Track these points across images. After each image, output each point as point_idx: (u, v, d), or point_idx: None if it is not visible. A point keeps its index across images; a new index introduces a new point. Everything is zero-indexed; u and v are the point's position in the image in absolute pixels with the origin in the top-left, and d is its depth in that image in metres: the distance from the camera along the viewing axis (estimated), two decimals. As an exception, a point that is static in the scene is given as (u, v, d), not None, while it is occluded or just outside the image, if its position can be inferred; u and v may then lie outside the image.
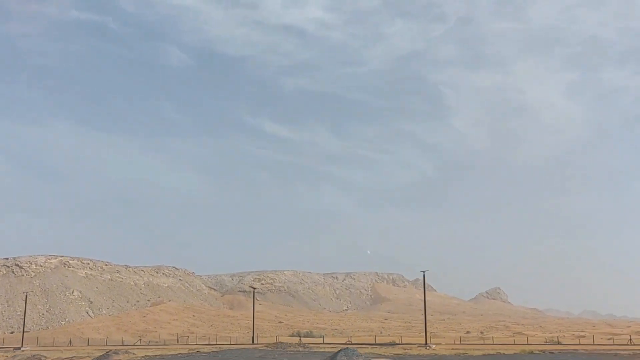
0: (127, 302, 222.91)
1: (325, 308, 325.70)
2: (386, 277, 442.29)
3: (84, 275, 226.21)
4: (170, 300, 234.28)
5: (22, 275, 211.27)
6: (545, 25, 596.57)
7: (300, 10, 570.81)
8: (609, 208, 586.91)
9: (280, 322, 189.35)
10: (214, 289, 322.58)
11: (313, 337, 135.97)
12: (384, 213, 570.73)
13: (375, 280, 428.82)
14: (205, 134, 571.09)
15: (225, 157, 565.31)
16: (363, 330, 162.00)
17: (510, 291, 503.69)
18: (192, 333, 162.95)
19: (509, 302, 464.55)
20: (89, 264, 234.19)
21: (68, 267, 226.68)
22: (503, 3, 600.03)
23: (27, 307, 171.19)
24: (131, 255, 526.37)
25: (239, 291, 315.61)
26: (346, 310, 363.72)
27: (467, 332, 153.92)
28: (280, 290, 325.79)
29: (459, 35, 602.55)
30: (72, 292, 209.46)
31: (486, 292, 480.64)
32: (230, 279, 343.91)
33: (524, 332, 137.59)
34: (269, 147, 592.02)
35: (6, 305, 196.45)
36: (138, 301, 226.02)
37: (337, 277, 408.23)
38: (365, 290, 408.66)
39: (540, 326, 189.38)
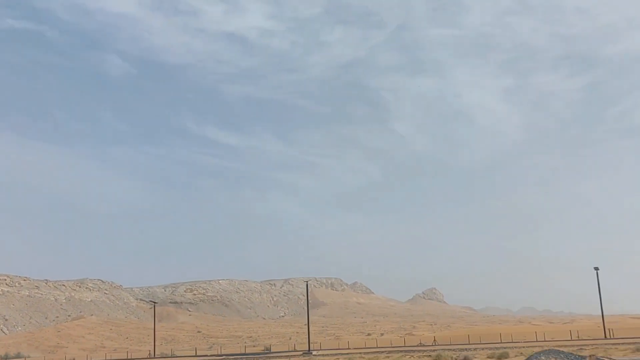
0: (46, 318, 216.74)
1: (259, 316, 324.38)
2: (325, 281, 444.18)
3: (0, 292, 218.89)
4: (92, 315, 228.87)
5: None
6: (480, 31, 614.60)
7: (241, 18, 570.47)
8: (546, 207, 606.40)
9: (199, 332, 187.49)
10: (145, 301, 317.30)
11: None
12: (330, 218, 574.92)
13: (314, 285, 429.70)
14: (148, 142, 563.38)
15: (169, 164, 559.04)
16: (277, 337, 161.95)
17: (447, 291, 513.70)
18: (104, 347, 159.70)
19: (444, 302, 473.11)
20: (5, 279, 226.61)
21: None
22: (439, 10, 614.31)
23: None
24: (58, 268, 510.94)
25: (170, 302, 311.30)
26: (283, 316, 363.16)
27: (368, 334, 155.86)
28: (212, 300, 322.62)
29: (398, 42, 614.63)
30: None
31: (423, 292, 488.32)
32: (163, 290, 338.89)
33: (414, 333, 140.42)
34: (215, 154, 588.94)
35: None
36: (57, 317, 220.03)
37: (274, 284, 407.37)
38: (303, 295, 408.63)
39: (449, 325, 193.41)
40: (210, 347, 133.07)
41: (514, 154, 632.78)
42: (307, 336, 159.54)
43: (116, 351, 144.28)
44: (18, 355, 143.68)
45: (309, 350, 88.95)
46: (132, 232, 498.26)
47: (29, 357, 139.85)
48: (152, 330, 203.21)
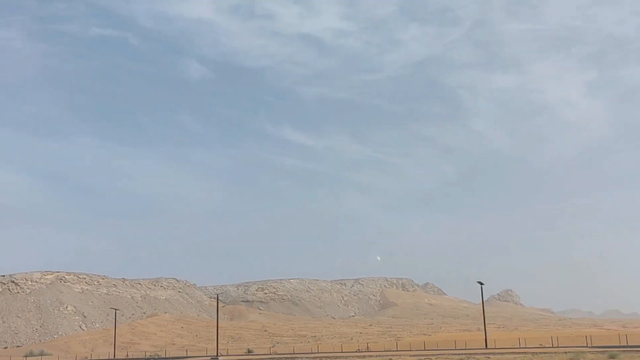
0: (122, 315, 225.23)
1: (328, 315, 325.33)
2: (396, 282, 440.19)
3: (80, 290, 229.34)
4: (166, 313, 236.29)
5: (18, 292, 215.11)
6: (562, 25, 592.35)
7: (316, 19, 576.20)
8: (634, 205, 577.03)
9: (265, 330, 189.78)
10: (219, 299, 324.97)
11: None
12: (404, 217, 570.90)
13: (385, 286, 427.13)
14: (226, 144, 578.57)
15: (246, 166, 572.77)
16: (340, 337, 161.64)
17: (523, 293, 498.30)
18: (174, 344, 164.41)
19: (520, 304, 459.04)
20: (85, 278, 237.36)
21: (64, 282, 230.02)
22: (518, 4, 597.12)
23: (21, 323, 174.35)
24: (136, 267, 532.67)
25: (242, 301, 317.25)
26: (353, 316, 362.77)
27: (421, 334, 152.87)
28: (283, 299, 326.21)
29: (475, 38, 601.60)
30: (66, 307, 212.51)
31: (498, 294, 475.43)
32: (236, 289, 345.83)
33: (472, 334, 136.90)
34: (291, 155, 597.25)
35: (1, 322, 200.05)
36: (133, 314, 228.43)
37: (345, 284, 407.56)
38: (374, 295, 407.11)
39: (516, 328, 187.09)
40: (273, 346, 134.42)
41: (600, 149, 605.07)
42: (372, 336, 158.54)
43: (184, 348, 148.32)
44: (42, 353, 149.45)
45: (216, 355, 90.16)
46: (208, 232, 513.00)
47: (50, 354, 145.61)
48: (221, 329, 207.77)
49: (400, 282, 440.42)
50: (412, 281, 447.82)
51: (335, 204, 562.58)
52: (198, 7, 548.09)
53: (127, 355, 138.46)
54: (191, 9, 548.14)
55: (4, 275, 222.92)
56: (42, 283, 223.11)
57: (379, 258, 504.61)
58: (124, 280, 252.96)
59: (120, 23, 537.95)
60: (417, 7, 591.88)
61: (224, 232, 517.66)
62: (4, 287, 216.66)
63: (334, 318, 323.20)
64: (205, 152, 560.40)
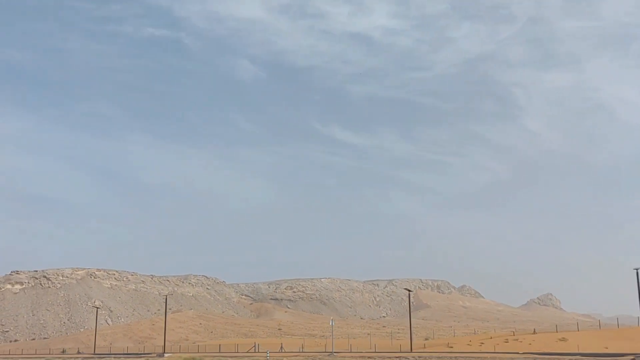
0: (148, 310, 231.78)
1: (357, 315, 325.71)
2: (430, 283, 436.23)
3: (109, 286, 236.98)
4: (191, 309, 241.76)
5: (49, 287, 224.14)
6: (619, 21, 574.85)
7: (366, 18, 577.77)
8: None
9: (279, 329, 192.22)
10: (250, 297, 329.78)
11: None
12: (453, 217, 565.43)
13: (419, 287, 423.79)
14: (275, 142, 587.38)
15: (295, 164, 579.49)
16: (353, 337, 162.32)
17: (566, 297, 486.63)
18: (187, 340, 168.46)
19: (561, 309, 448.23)
20: (114, 274, 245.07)
21: (94, 278, 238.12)
22: (574, 1, 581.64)
23: (50, 316, 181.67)
24: (173, 264, 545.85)
25: (271, 299, 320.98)
26: (384, 316, 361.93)
27: (426, 338, 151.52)
28: (311, 298, 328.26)
29: (529, 36, 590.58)
30: (94, 302, 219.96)
31: (538, 298, 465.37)
32: (267, 287, 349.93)
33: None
34: (339, 154, 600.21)
35: (31, 315, 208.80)
36: (159, 310, 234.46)
37: (378, 284, 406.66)
38: (407, 296, 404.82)
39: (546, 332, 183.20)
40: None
41: None
42: (379, 337, 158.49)
43: (194, 343, 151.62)
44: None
45: (162, 352, 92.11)
46: (251, 230, 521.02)
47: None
48: (238, 326, 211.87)
49: (435, 284, 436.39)
50: (449, 283, 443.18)
51: (382, 203, 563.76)
52: (249, 6, 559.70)
53: (144, 349, 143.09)
54: (243, 8, 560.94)
55: (36, 271, 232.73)
56: (73, 278, 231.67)
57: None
58: (152, 276, 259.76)
59: (174, 23, 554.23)
60: (469, 4, 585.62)
61: (266, 230, 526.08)
62: (36, 281, 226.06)
63: (362, 318, 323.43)
64: (254, 151, 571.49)
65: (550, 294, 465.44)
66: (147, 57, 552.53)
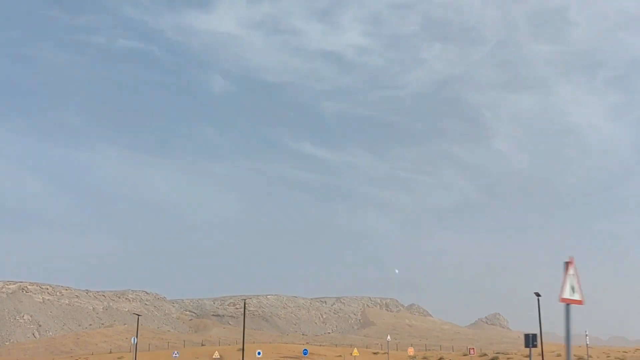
0: (79, 325, 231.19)
1: (297, 332, 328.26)
2: (379, 301, 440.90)
3: (41, 300, 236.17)
4: (124, 324, 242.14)
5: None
6: (587, 47, 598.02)
7: (339, 36, 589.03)
8: None
9: (202, 344, 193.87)
10: (193, 313, 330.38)
11: None
12: (419, 235, 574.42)
13: (367, 305, 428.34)
14: (246, 157, 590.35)
15: (265, 179, 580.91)
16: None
17: (515, 317, 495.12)
18: (110, 353, 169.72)
19: (508, 328, 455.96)
20: (47, 289, 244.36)
21: (26, 292, 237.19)
22: (542, 26, 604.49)
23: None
24: (119, 279, 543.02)
25: (212, 315, 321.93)
26: (329, 333, 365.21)
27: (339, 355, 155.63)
28: (254, 315, 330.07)
29: (498, 58, 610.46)
30: (23, 316, 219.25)
31: (486, 317, 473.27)
32: (212, 302, 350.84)
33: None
34: (309, 169, 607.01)
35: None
36: (90, 324, 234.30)
37: (326, 302, 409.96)
38: (355, 314, 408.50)
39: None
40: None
41: (623, 174, 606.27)
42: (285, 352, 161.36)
43: (98, 355, 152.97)
44: None
45: None
46: (214, 244, 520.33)
47: None
48: (166, 340, 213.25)
49: (384, 302, 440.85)
50: (397, 301, 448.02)
51: (351, 220, 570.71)
52: (223, 21, 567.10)
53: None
54: (217, 23, 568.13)
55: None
56: (4, 292, 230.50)
57: (397, 271, 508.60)
58: (87, 291, 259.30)
59: (147, 36, 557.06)
60: (440, 26, 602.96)
61: (228, 245, 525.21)
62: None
63: (303, 335, 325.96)
64: (224, 165, 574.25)
65: (498, 313, 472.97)
66: (118, 69, 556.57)
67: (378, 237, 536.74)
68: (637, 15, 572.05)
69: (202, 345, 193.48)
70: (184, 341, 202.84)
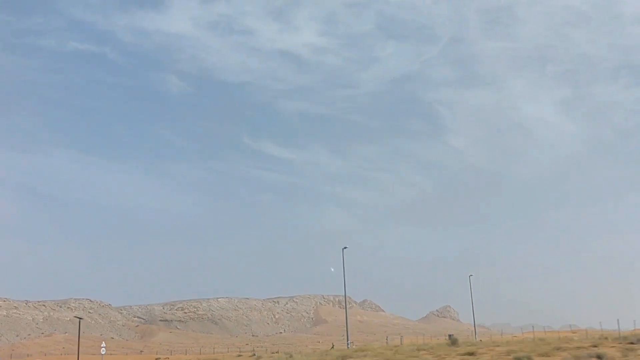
0: (17, 336, 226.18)
1: (247, 333, 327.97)
2: (332, 299, 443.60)
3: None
4: (66, 333, 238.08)
5: None
6: (535, 43, 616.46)
7: (295, 36, 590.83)
8: (604, 222, 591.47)
9: (141, 351, 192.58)
10: (142, 318, 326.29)
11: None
12: (379, 232, 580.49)
13: (320, 303, 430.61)
14: (206, 157, 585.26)
15: (225, 180, 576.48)
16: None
17: (464, 309, 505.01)
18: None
19: (458, 320, 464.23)
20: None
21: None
22: (492, 23, 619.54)
23: None
24: (66, 287, 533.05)
25: (160, 320, 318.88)
26: (281, 333, 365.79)
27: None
28: (202, 318, 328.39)
29: (452, 56, 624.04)
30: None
31: (437, 310, 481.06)
32: (162, 308, 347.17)
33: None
34: (272, 169, 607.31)
35: None
36: (29, 334, 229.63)
37: (278, 302, 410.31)
38: (307, 313, 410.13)
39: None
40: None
41: (573, 166, 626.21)
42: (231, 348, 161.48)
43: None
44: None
45: None
46: (172, 248, 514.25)
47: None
48: (106, 347, 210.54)
49: (337, 299, 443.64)
50: (350, 298, 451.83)
51: (314, 219, 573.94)
52: (177, 22, 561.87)
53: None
54: (170, 24, 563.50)
55: None
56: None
57: (332, 269, 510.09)
58: (27, 302, 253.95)
59: (99, 38, 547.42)
60: (394, 24, 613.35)
61: (185, 248, 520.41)
62: None
63: (255, 335, 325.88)
64: (183, 166, 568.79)
65: (449, 306, 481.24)
66: (70, 71, 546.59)
67: (339, 235, 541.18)
68: (583, 11, 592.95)
69: (141, 352, 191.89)
70: (123, 348, 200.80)
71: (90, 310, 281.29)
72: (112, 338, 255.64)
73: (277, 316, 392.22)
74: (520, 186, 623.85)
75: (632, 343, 34.82)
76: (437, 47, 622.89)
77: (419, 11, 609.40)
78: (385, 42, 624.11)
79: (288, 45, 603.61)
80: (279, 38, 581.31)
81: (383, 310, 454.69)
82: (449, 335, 76.54)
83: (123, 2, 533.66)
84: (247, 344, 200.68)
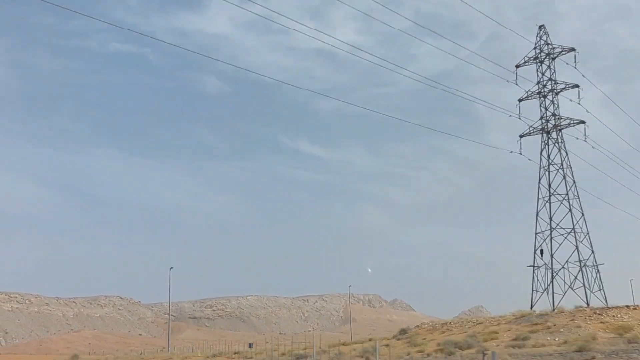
0: (47, 332, 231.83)
1: (274, 331, 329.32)
2: (362, 298, 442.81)
3: (9, 309, 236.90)
4: (94, 329, 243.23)
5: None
6: (577, 39, 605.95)
7: (331, 34, 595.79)
8: None
9: (162, 348, 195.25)
10: (172, 316, 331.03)
11: None
12: (414, 230, 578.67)
13: (350, 302, 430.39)
14: (242, 157, 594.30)
15: (261, 179, 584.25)
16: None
17: (497, 310, 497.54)
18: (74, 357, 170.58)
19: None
20: (17, 297, 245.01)
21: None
22: (532, 19, 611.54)
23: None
24: (107, 284, 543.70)
25: (189, 317, 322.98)
26: (310, 331, 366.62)
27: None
28: (230, 316, 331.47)
29: (490, 52, 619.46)
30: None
31: (469, 310, 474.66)
32: (192, 305, 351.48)
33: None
34: (308, 168, 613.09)
35: None
36: (59, 330, 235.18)
37: (308, 300, 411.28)
38: (337, 311, 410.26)
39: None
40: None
41: (617, 163, 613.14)
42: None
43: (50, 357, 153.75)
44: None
45: None
46: (211, 246, 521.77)
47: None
48: (130, 344, 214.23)
49: (367, 298, 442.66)
50: (380, 297, 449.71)
51: (350, 217, 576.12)
52: (216, 23, 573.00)
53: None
54: (209, 24, 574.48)
55: None
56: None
57: (369, 270, 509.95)
58: (57, 298, 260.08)
59: (140, 38, 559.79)
60: (431, 21, 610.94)
61: (222, 247, 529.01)
62: None
63: (282, 334, 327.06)
64: (220, 165, 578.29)
65: (481, 306, 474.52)
66: (111, 73, 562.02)
67: (372, 233, 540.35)
68: (625, 5, 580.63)
69: (162, 349, 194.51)
70: (147, 344, 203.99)
71: (120, 307, 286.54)
72: (140, 335, 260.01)
73: (306, 314, 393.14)
74: (561, 186, 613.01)
75: None
76: (475, 43, 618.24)
77: (456, 8, 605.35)
78: (422, 40, 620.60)
79: (324, 44, 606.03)
80: (316, 37, 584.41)
81: (414, 310, 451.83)
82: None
83: (163, 3, 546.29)
84: (266, 342, 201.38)
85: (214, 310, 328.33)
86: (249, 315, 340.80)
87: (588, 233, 76.57)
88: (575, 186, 78.47)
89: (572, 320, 62.48)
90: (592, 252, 76.12)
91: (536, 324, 63.87)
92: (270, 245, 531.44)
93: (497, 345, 54.54)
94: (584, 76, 78.61)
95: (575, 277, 74.19)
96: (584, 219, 78.12)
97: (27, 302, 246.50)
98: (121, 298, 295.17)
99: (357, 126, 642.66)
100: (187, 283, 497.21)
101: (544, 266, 75.53)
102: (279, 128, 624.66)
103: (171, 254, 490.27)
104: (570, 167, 77.08)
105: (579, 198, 77.94)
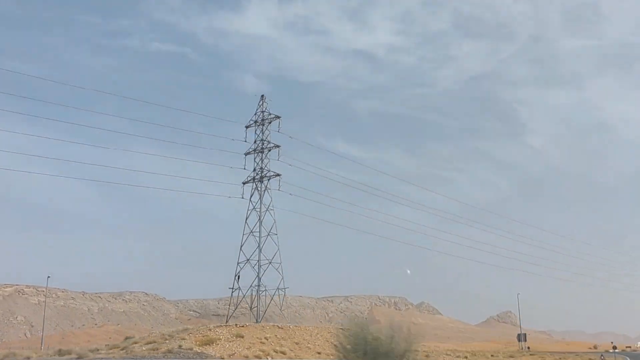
0: (72, 325, 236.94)
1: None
2: (388, 300, 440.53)
3: (36, 302, 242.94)
4: (118, 325, 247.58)
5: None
6: (621, 41, 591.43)
7: (370, 35, 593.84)
8: None
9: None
10: (197, 312, 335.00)
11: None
12: (451, 233, 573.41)
13: (375, 304, 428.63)
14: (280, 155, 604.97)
15: (300, 177, 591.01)
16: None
17: (528, 315, 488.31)
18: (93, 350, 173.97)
19: (519, 326, 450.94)
20: (43, 291, 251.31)
21: (22, 294, 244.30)
22: (575, 20, 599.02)
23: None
24: (129, 280, 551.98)
25: (213, 315, 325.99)
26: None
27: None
28: (253, 314, 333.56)
29: (531, 54, 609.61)
30: (17, 317, 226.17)
31: (497, 315, 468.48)
32: (217, 303, 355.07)
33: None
34: (344, 168, 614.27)
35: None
36: (84, 324, 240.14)
37: (333, 301, 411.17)
38: (361, 313, 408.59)
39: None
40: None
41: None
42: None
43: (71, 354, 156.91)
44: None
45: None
46: (235, 243, 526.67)
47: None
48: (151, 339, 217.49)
49: (392, 301, 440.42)
50: (406, 300, 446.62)
51: (385, 218, 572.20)
52: (255, 23, 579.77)
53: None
54: (248, 25, 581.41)
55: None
56: (0, 295, 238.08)
57: (409, 271, 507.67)
58: (83, 293, 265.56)
59: (181, 38, 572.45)
60: (471, 22, 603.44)
61: (254, 246, 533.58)
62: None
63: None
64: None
65: (510, 311, 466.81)
66: (152, 72, 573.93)
67: (407, 236, 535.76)
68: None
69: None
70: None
71: (145, 303, 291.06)
72: (170, 329, 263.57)
73: (330, 315, 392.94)
74: (604, 189, 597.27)
75: None
76: (515, 45, 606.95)
77: (497, 9, 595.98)
78: (461, 41, 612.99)
79: (363, 44, 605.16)
80: (354, 38, 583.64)
81: (440, 314, 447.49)
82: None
83: (203, 4, 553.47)
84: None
85: (237, 308, 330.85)
86: (272, 314, 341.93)
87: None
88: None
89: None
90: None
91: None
92: (300, 245, 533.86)
93: None
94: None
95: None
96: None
97: (53, 295, 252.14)
98: (146, 294, 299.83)
99: (396, 127, 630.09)
100: (214, 280, 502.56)
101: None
102: (317, 128, 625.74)
103: (199, 251, 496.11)
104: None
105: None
